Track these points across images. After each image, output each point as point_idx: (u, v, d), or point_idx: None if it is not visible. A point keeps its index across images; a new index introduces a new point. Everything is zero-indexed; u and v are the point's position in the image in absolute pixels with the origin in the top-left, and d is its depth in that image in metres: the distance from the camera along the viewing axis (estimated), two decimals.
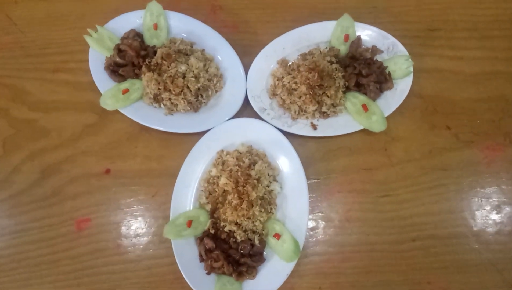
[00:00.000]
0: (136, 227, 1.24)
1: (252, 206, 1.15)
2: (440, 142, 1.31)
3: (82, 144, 1.33)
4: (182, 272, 1.12)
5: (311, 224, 1.23)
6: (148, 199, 1.26)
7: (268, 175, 1.22)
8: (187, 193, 1.22)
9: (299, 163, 1.19)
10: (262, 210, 1.16)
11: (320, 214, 1.25)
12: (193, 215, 1.17)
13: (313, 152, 1.28)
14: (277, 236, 1.15)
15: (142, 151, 1.30)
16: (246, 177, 1.17)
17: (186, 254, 1.16)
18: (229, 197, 1.15)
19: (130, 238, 1.23)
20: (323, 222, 1.25)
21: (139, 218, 1.25)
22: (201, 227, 1.19)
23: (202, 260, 1.16)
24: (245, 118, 1.27)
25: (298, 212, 1.17)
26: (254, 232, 1.17)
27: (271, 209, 1.21)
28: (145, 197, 1.26)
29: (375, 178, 1.27)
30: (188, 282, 1.11)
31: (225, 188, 1.17)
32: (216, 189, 1.19)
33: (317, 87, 1.31)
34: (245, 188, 1.14)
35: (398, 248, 1.21)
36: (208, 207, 1.19)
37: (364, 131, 1.27)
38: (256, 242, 1.15)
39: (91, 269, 1.22)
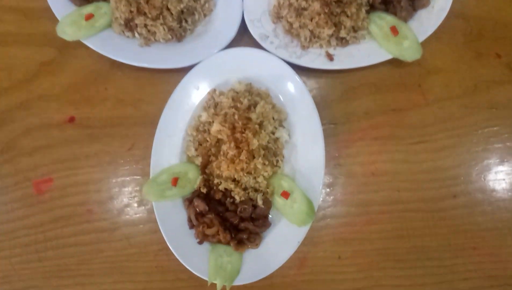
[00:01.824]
0: (109, 188, 1.10)
1: (253, 157, 1.00)
2: (488, 74, 1.14)
3: (38, 87, 1.17)
4: (167, 242, 0.99)
5: (327, 179, 1.08)
6: (123, 153, 1.12)
7: (273, 119, 1.06)
8: (171, 145, 1.06)
9: (312, 104, 1.03)
10: (266, 162, 1.02)
11: (338, 167, 1.10)
12: (179, 171, 1.04)
13: (329, 90, 1.14)
14: (286, 194, 1.00)
15: (114, 93, 1.16)
16: (244, 121, 1.00)
17: (172, 220, 1.02)
18: (224, 148, 1.01)
19: (102, 202, 1.10)
20: (343, 177, 1.10)
21: (113, 177, 1.11)
22: (190, 185, 1.04)
23: (192, 226, 1.02)
24: (242, 48, 1.10)
25: (311, 165, 1.02)
26: (256, 190, 1.03)
27: (277, 161, 1.06)
28: (119, 151, 1.12)
29: (406, 121, 1.12)
30: (175, 254, 0.98)
31: (219, 136, 1.02)
32: (208, 138, 1.05)
33: (334, 3, 1.08)
34: (243, 135, 0.99)
35: (436, 206, 1.07)
36: (198, 160, 1.05)
37: (393, 62, 1.11)
38: (259, 202, 1.01)
39: (56, 241, 1.08)
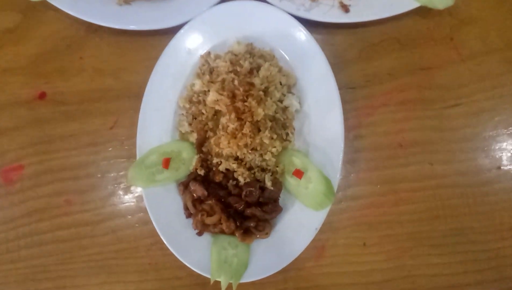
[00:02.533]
0: (89, 173, 1.01)
1: (259, 131, 0.91)
2: None
3: (1, 59, 1.05)
4: (160, 235, 0.91)
5: (346, 154, 0.97)
6: (104, 132, 1.03)
7: (280, 84, 0.96)
8: (160, 120, 0.97)
9: (326, 64, 0.93)
10: (274, 136, 0.92)
11: (359, 139, 0.99)
12: (171, 150, 0.95)
13: (345, 49, 1.02)
14: (299, 173, 0.90)
15: (91, 62, 1.05)
16: (246, 87, 0.90)
17: (166, 208, 0.93)
18: (224, 120, 0.91)
19: (82, 190, 1.00)
20: (365, 151, 0.99)
21: (93, 161, 1.01)
22: (185, 167, 0.95)
23: (189, 215, 0.94)
24: (239, 1, 0.98)
25: (327, 137, 0.92)
26: (263, 169, 0.94)
27: (287, 134, 0.96)
28: (99, 130, 1.03)
29: (438, 82, 1.00)
30: (170, 248, 0.89)
31: (217, 107, 0.93)
32: (204, 111, 0.96)
33: None
34: (246, 104, 0.88)
35: (476, 180, 0.97)
36: (193, 137, 0.96)
37: (420, 12, 1.00)
38: (268, 184, 0.91)
39: (30, 238, 0.99)
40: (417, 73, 1.02)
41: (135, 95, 0.98)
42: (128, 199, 1.02)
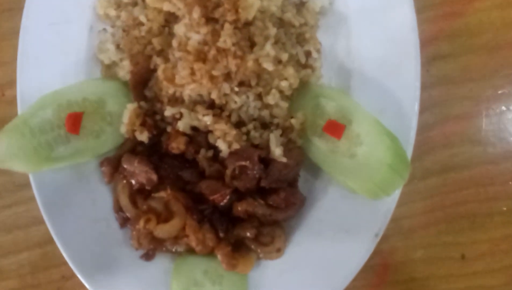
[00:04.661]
0: None
1: (254, 44, 0.61)
2: None
3: None
4: (71, 264, 0.62)
5: (425, 92, 0.65)
6: None
7: None
8: (59, 44, 0.66)
9: None
10: (284, 56, 0.62)
11: (442, 60, 0.71)
12: (83, 98, 0.66)
13: None
14: (336, 128, 0.61)
15: None
16: None
17: (77, 211, 0.65)
18: (181, 29, 0.60)
19: None
20: (455, 83, 0.70)
21: None
22: (112, 129, 0.66)
23: (124, 221, 0.65)
24: None
25: (386, 58, 0.64)
26: (265, 125, 0.66)
27: (308, 55, 0.65)
28: None
29: None
30: None
31: (166, 7, 0.61)
32: (143, 18, 0.65)
33: None
34: None
35: None
36: (125, 70, 0.67)
37: None
38: (276, 152, 0.62)
39: None
40: None
41: (20, 8, 0.69)
42: (13, 200, 0.74)
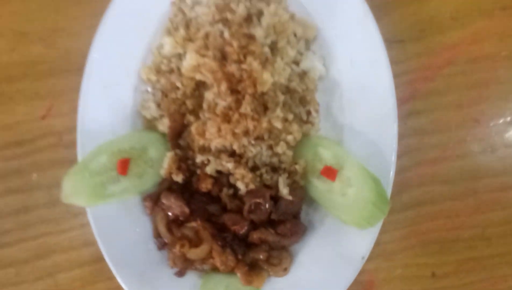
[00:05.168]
0: (11, 188, 0.85)
1: (266, 109, 0.73)
2: None
3: None
4: (119, 278, 0.72)
5: (400, 139, 0.76)
6: (32, 125, 0.85)
7: (295, 37, 0.78)
8: (112, 102, 0.79)
9: (363, 5, 0.75)
10: (290, 116, 0.75)
11: (416, 115, 0.83)
12: (130, 147, 0.77)
13: None
14: (330, 172, 0.72)
15: (10, 23, 0.88)
16: (243, 42, 0.71)
17: (125, 237, 0.76)
18: (210, 96, 0.72)
19: (1, 215, 0.84)
20: (427, 133, 0.83)
21: (18, 169, 0.85)
22: (153, 172, 0.77)
23: (162, 245, 0.76)
24: None
25: (371, 115, 0.76)
26: (275, 169, 0.78)
27: (308, 114, 0.78)
28: (25, 121, 0.86)
29: None
30: None
31: (198, 77, 0.73)
32: (179, 84, 0.77)
33: None
34: (244, 68, 0.70)
35: None
36: (164, 125, 0.78)
37: None
38: (283, 191, 0.74)
39: None
40: (495, 16, 0.85)
41: (77, 68, 0.79)
42: (69, 226, 0.84)
